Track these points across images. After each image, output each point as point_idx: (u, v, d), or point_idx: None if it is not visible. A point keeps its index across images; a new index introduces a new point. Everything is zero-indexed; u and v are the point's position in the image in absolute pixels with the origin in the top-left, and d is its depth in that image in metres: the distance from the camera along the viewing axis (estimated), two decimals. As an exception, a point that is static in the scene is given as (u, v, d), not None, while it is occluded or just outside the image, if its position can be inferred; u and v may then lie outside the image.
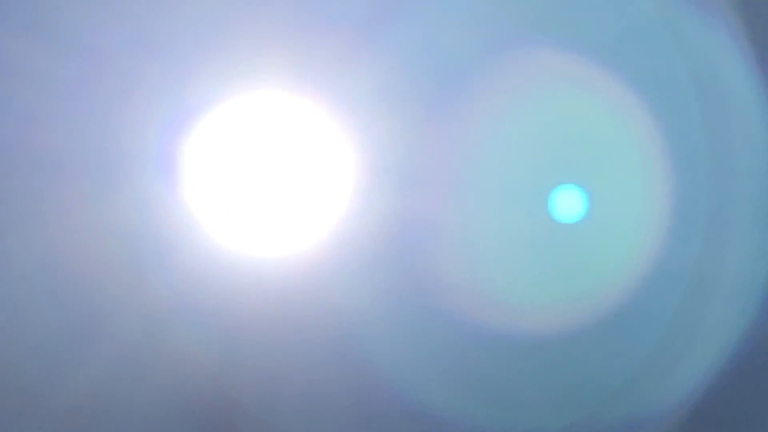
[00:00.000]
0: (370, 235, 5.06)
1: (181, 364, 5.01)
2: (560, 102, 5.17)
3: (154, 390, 5.00)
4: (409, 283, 5.09)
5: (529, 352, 5.17)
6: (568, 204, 5.17)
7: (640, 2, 5.18)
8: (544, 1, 5.13)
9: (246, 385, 5.05)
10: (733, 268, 5.23)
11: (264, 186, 5.11)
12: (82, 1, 4.93)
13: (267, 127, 5.11)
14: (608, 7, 5.17)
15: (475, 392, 5.15)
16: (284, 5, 5.00)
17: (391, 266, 5.07)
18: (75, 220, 4.95)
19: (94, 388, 4.97)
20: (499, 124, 5.16)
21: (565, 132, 5.19)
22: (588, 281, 5.19)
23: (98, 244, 4.95)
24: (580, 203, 5.18)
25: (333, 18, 5.02)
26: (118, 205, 4.96)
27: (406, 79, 5.07)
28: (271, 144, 5.11)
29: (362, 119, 5.07)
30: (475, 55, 5.10)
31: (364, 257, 5.06)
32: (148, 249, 4.98)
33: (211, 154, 5.08)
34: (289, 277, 5.05)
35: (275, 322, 5.04)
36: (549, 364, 5.18)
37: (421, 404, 5.11)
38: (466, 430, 5.13)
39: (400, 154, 5.08)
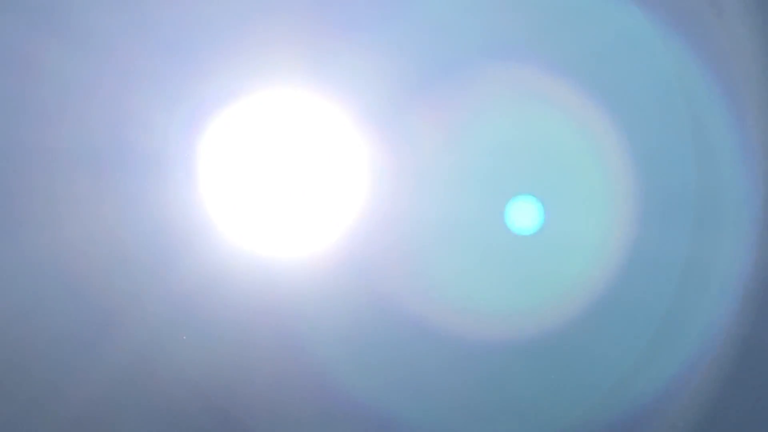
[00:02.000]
0: (383, 236, 5.16)
1: (193, 362, 5.05)
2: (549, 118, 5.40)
3: (165, 389, 5.03)
4: (415, 286, 5.21)
5: (523, 358, 5.28)
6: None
7: (612, 19, 5.40)
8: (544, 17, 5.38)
9: (257, 383, 5.10)
10: (705, 268, 5.38)
11: (278, 185, 5.18)
12: (104, 3, 5.03)
13: (282, 128, 5.18)
14: (583, 24, 5.38)
15: (481, 402, 5.24)
16: (302, 6, 5.11)
17: (401, 268, 5.18)
18: (89, 218, 5.02)
19: (106, 387, 5.02)
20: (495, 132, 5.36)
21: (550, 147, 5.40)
22: (567, 286, 5.35)
23: (112, 243, 5.01)
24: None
25: (348, 19, 5.14)
26: (133, 203, 5.03)
27: (421, 80, 5.20)
28: (286, 144, 5.18)
29: (377, 120, 5.18)
30: (483, 59, 5.26)
31: (376, 258, 5.16)
32: (162, 247, 5.03)
33: (226, 154, 5.14)
34: (303, 276, 5.13)
35: (289, 320, 5.10)
36: (526, 371, 5.30)
37: (423, 415, 5.21)
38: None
39: (415, 155, 5.21)
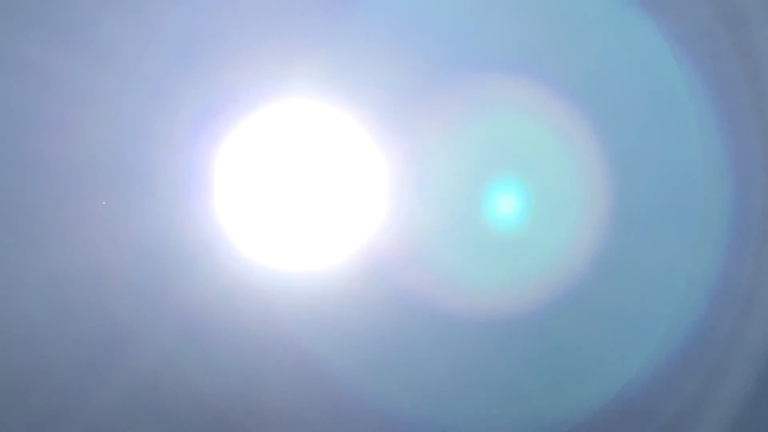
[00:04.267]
0: (398, 246, 5.18)
1: (207, 375, 5.05)
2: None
3: (178, 402, 5.04)
4: (437, 292, 5.25)
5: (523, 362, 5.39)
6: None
7: (616, 26, 5.44)
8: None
9: (271, 396, 5.11)
10: (675, 266, 5.48)
11: (292, 196, 5.17)
12: (115, 13, 4.99)
13: (295, 138, 5.17)
14: (590, 33, 5.41)
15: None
16: (318, 16, 5.10)
17: (418, 278, 5.22)
18: (102, 230, 4.99)
19: (118, 400, 5.02)
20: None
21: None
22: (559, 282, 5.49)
23: (125, 255, 4.99)
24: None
25: (361, 27, 5.14)
26: (146, 215, 5.01)
27: (436, 88, 5.22)
28: (300, 155, 5.17)
29: (391, 129, 5.19)
30: (498, 68, 5.29)
31: (392, 268, 5.18)
32: (176, 260, 5.02)
33: (239, 165, 5.12)
34: (318, 288, 5.14)
35: (303, 332, 5.11)
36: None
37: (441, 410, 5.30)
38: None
39: (430, 163, 5.23)
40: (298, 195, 5.20)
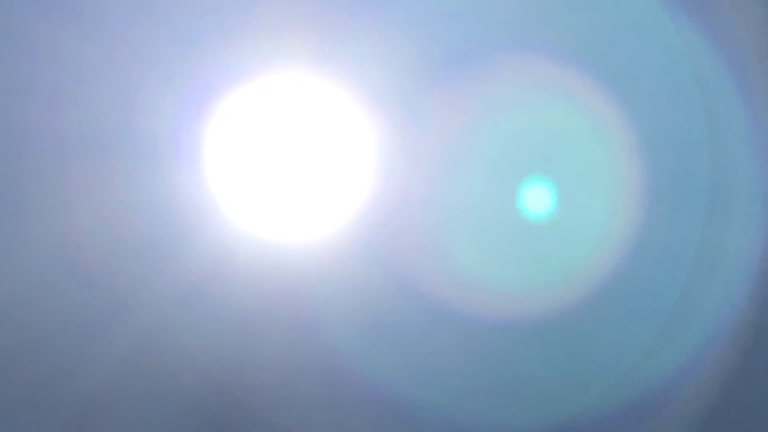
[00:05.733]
0: (392, 220, 5.18)
1: (202, 347, 5.06)
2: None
3: (172, 373, 5.06)
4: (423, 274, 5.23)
5: (534, 342, 5.33)
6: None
7: (624, 5, 5.45)
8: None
9: (266, 367, 5.12)
10: (714, 256, 5.42)
11: (286, 170, 5.19)
12: None
13: (290, 113, 5.18)
14: (595, 10, 5.41)
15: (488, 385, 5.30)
16: None
17: (412, 252, 5.20)
18: (95, 203, 5.02)
19: (113, 372, 5.04)
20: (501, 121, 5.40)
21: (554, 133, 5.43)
22: (578, 271, 5.40)
23: (119, 228, 5.01)
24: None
25: (358, 5, 5.16)
26: (139, 188, 5.03)
27: (432, 65, 5.21)
28: (294, 129, 5.19)
29: (386, 104, 5.19)
30: (495, 45, 5.27)
31: (386, 242, 5.18)
32: (170, 232, 5.04)
33: (234, 139, 5.14)
34: (312, 261, 5.14)
35: (297, 304, 5.12)
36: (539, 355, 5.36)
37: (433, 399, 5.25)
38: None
39: (425, 140, 5.22)
40: (295, 169, 5.21)
